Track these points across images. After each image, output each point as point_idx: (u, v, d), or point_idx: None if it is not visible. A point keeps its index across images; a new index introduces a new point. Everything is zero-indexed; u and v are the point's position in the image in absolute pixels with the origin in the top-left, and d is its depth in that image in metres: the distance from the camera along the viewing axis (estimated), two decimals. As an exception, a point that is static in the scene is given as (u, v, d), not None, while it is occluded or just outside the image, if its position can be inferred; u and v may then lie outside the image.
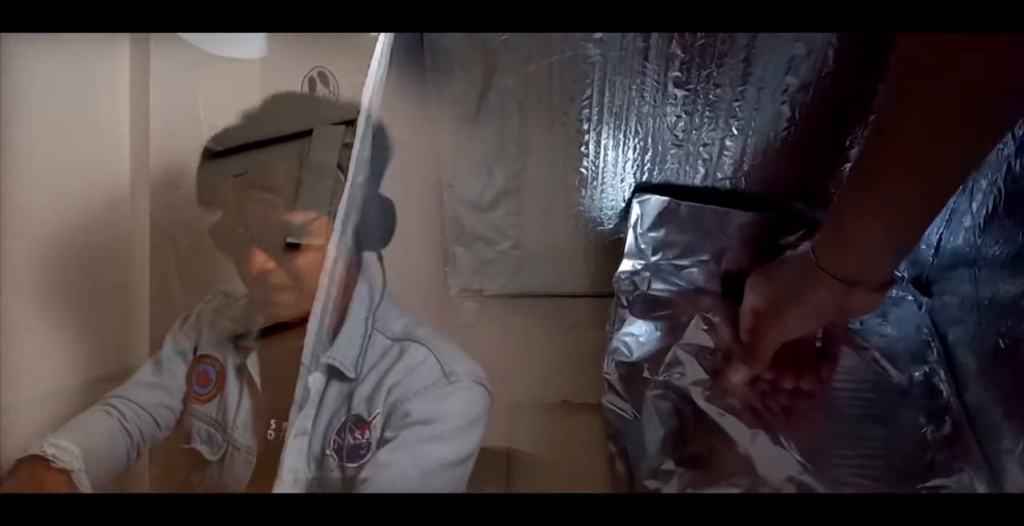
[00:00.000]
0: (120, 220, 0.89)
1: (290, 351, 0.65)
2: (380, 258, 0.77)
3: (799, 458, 0.81)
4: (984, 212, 0.84)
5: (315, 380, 0.73)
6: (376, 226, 0.76)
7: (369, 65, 0.66)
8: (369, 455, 0.71)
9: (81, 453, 0.70)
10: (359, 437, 0.72)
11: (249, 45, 0.83)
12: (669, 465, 0.81)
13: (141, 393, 0.80)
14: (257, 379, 0.77)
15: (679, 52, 0.81)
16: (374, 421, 0.72)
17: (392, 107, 0.72)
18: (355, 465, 0.71)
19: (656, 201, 0.95)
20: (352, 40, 0.71)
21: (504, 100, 0.87)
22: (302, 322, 0.62)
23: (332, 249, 0.65)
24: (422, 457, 0.70)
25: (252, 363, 0.77)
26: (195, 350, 0.82)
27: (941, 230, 0.93)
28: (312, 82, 0.86)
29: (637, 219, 0.96)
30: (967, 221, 0.88)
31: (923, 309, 0.95)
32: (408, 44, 0.82)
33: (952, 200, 0.90)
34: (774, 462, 0.82)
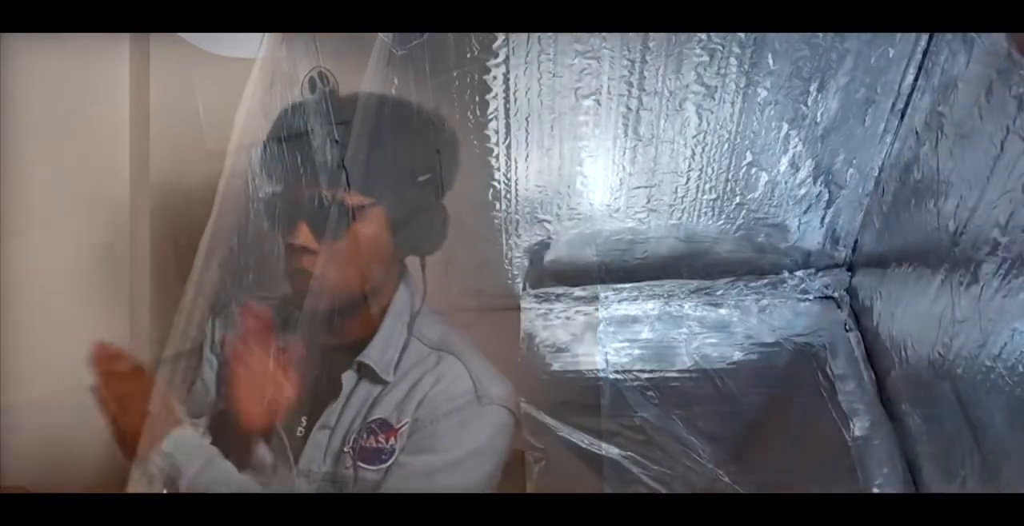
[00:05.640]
0: (120, 220, 0.89)
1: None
2: (423, 265, 0.77)
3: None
4: (894, 213, 0.85)
5: (347, 378, 0.74)
6: (428, 230, 0.76)
7: (368, 65, 0.66)
8: (390, 461, 0.70)
9: None
10: (382, 441, 0.71)
11: (249, 45, 0.82)
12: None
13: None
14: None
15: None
16: (401, 429, 0.71)
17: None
18: (373, 468, 0.70)
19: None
20: (352, 40, 0.71)
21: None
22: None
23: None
24: (434, 485, 0.69)
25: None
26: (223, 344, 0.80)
27: (857, 233, 0.95)
28: (312, 82, 0.86)
29: None
30: (878, 222, 0.89)
31: (844, 308, 0.96)
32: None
33: (866, 202, 0.91)
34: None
